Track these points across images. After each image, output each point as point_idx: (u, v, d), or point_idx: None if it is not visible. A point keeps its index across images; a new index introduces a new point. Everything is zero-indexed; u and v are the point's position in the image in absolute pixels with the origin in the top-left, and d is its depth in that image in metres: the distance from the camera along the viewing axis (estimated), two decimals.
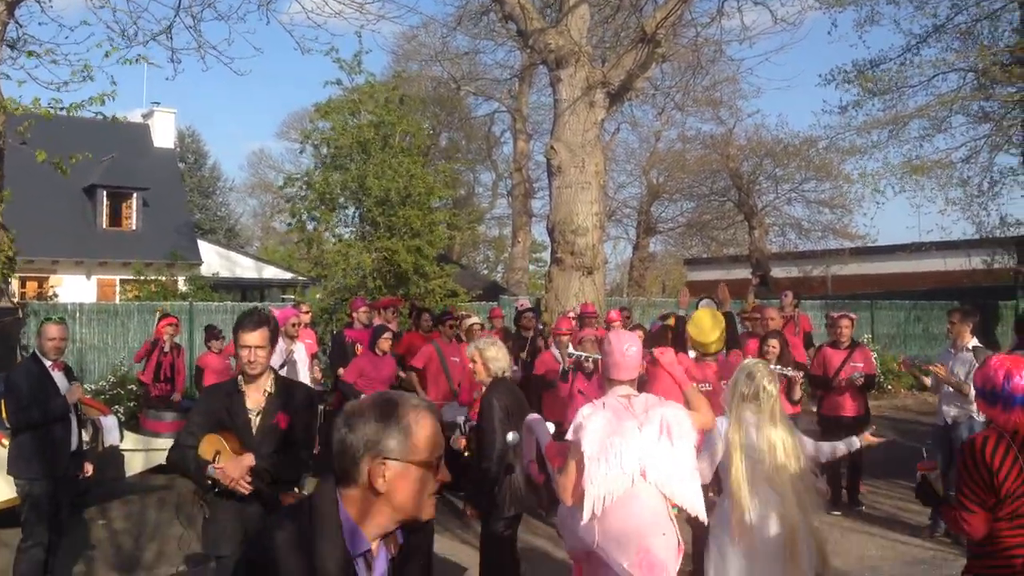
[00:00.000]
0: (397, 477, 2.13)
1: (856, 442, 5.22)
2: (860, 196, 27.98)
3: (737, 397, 4.68)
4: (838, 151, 23.25)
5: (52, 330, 6.39)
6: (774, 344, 7.90)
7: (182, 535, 5.66)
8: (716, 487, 4.87)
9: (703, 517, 4.31)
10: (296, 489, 4.29)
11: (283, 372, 9.34)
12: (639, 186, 34.79)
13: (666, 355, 5.01)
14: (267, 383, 4.49)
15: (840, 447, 5.18)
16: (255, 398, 4.45)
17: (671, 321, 8.14)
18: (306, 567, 2.10)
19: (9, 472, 6.37)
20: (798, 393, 8.09)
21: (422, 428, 2.16)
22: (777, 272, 29.73)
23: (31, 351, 6.55)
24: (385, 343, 9.59)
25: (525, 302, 13.63)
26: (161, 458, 9.62)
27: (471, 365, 5.93)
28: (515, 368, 9.08)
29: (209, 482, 4.31)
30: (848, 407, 8.99)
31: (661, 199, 33.74)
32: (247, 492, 4.26)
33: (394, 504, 2.15)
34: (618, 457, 4.05)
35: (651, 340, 8.39)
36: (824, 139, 22.68)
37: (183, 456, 4.40)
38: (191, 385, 12.02)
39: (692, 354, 7.27)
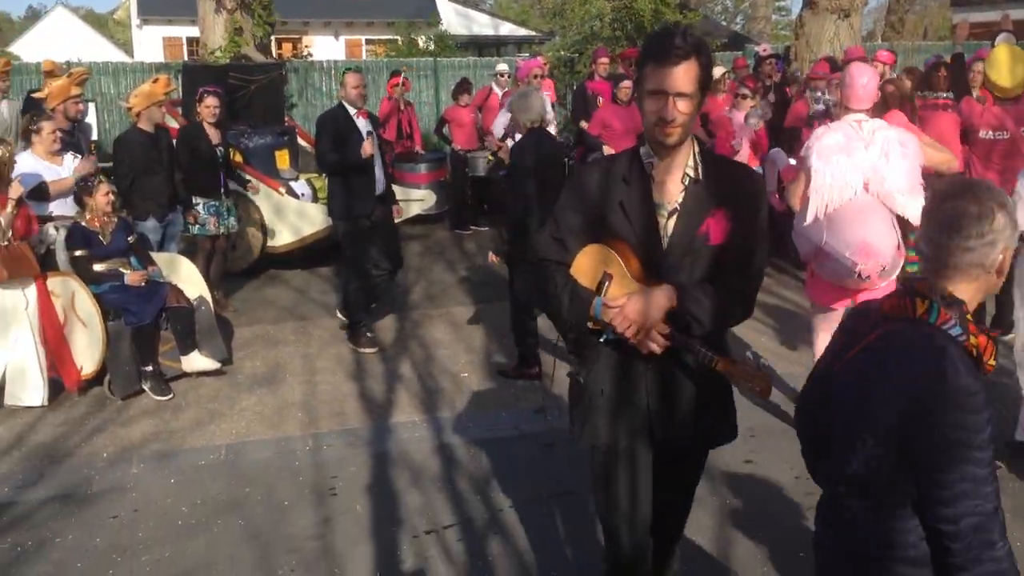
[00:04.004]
0: None
1: None
2: None
3: None
4: None
5: (352, 78, 6.73)
6: None
7: (541, 407, 5.65)
8: None
9: (913, 219, 4.62)
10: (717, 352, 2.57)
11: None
12: None
13: (895, 117, 5.31)
14: (688, 161, 2.60)
15: None
16: (669, 187, 2.60)
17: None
18: None
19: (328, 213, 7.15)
20: None
21: None
22: None
23: (337, 101, 6.91)
24: (624, 92, 9.34)
25: (767, 47, 12.82)
26: (416, 209, 10.14)
27: (503, 117, 6.04)
28: (766, 112, 8.70)
29: (593, 328, 2.66)
30: None
31: None
32: (661, 351, 2.56)
33: None
34: (842, 171, 4.60)
35: (923, 78, 7.72)
36: None
37: (546, 279, 2.71)
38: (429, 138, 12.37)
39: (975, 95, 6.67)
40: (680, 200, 2.59)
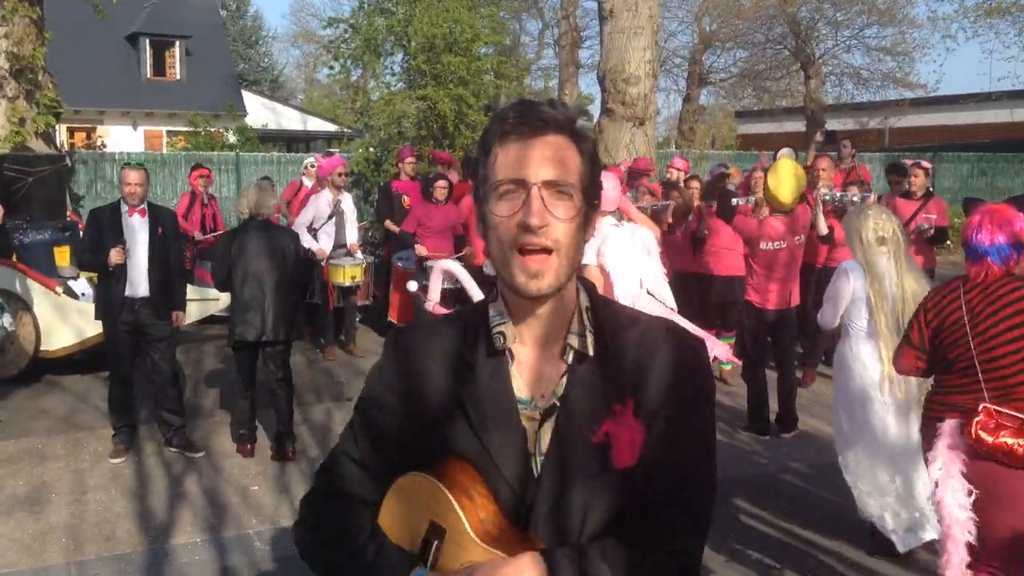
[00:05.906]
0: None
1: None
2: (925, 42, 26.81)
3: (865, 243, 4.84)
4: None
5: (128, 175, 6.33)
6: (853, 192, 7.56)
7: None
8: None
9: (674, 306, 5.42)
10: None
11: (330, 226, 9.30)
12: (690, 34, 33.50)
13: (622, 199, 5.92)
14: (573, 322, 1.53)
15: None
16: (540, 367, 1.54)
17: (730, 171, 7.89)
18: None
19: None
20: None
21: None
22: (832, 124, 28.86)
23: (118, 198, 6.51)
24: (440, 191, 9.44)
25: None
26: (215, 308, 9.62)
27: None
28: None
29: None
30: (915, 260, 8.54)
31: (713, 48, 32.44)
32: None
33: None
34: (631, 270, 5.10)
35: (708, 188, 8.15)
36: None
37: (339, 536, 1.56)
38: None
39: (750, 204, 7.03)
40: (561, 391, 1.50)
